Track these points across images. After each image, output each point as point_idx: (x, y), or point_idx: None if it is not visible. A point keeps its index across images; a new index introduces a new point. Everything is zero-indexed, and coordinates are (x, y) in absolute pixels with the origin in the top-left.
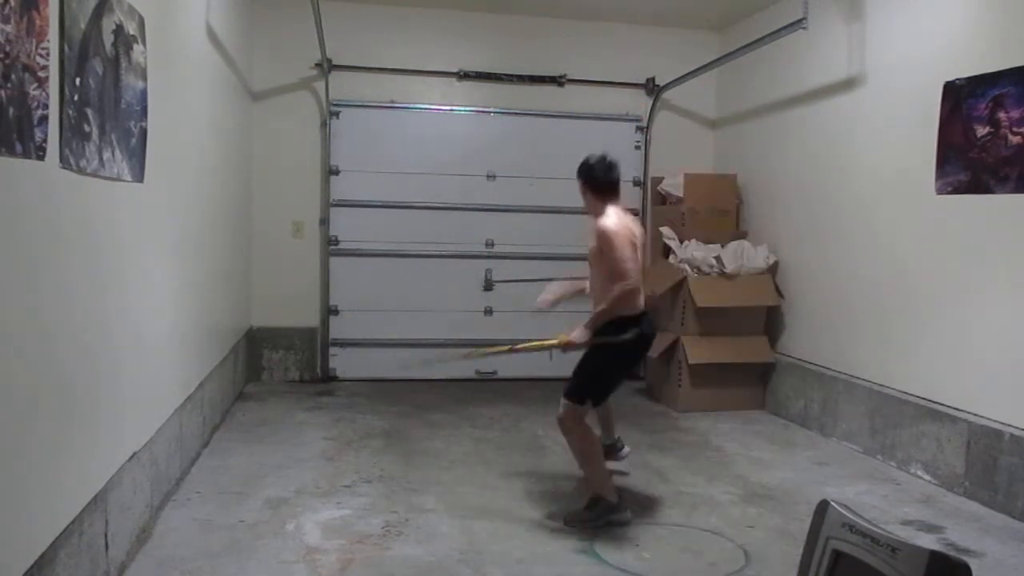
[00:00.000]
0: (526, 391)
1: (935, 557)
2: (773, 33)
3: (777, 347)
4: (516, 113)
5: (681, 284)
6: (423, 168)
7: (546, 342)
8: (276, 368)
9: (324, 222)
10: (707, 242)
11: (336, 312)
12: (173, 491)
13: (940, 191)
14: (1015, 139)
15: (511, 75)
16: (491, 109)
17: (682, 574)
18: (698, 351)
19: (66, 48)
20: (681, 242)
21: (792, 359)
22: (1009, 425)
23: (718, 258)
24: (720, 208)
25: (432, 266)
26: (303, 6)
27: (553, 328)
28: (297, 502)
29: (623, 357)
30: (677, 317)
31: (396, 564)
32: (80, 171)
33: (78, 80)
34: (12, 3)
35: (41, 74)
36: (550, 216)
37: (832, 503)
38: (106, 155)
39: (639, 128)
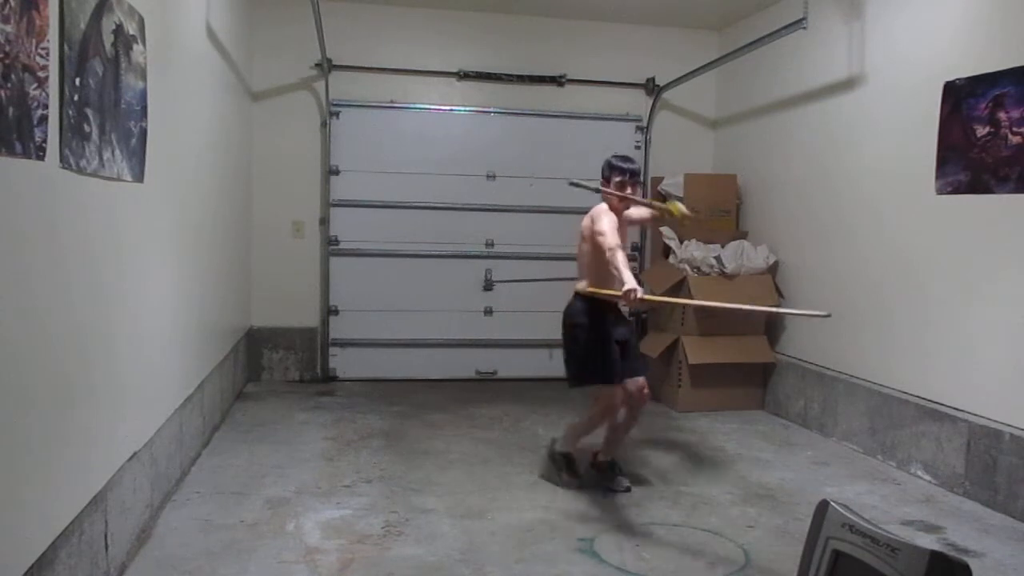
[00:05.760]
0: (526, 391)
1: (935, 557)
2: (773, 33)
3: (777, 347)
4: (516, 113)
5: (681, 284)
6: (423, 168)
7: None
8: (276, 368)
9: (324, 222)
10: (707, 242)
11: (336, 312)
12: (173, 491)
13: (940, 191)
14: (1015, 139)
15: (511, 75)
16: (491, 109)
17: (682, 574)
18: (698, 351)
19: (66, 48)
20: (681, 242)
21: (792, 359)
22: (1009, 425)
23: (718, 258)
24: (720, 208)
25: (432, 266)
26: (303, 6)
27: (552, 328)
28: (297, 502)
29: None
30: (677, 317)
31: (396, 564)
32: (80, 171)
33: (78, 80)
34: (12, 3)
35: (41, 74)
36: (550, 216)
37: (832, 503)
38: (106, 155)
39: (639, 128)
